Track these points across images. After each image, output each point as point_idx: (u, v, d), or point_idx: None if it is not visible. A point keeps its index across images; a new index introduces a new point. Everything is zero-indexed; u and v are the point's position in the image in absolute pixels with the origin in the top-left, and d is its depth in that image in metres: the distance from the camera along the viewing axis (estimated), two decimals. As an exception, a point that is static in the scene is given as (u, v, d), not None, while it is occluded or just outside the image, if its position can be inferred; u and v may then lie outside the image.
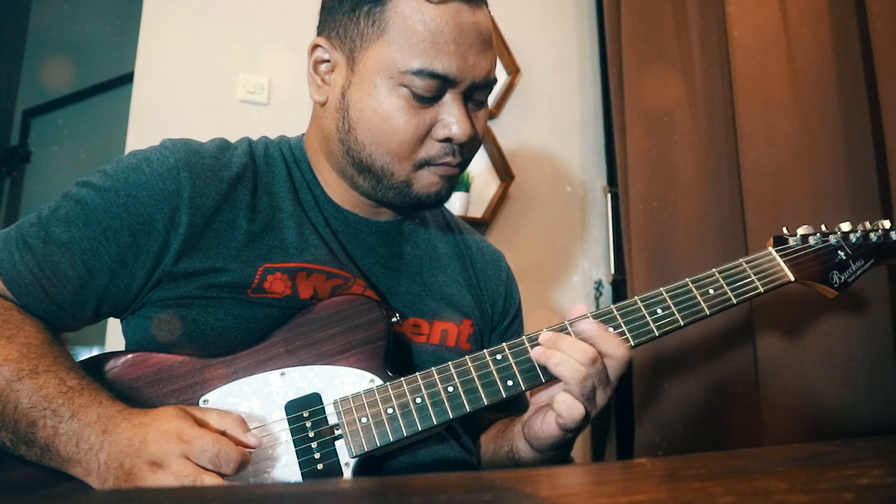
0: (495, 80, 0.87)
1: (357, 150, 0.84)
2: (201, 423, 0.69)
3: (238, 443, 0.68)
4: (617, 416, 2.00)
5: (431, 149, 0.83)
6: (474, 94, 0.85)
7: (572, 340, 0.76)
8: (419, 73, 0.79)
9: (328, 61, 0.86)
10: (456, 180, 0.89)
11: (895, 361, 1.29)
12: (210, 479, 0.64)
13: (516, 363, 0.79)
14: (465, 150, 0.86)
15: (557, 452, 0.84)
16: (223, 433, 0.69)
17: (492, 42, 0.85)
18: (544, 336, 0.79)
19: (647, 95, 1.86)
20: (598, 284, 2.20)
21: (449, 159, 0.84)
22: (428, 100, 0.81)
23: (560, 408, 0.75)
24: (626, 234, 1.89)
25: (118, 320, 0.88)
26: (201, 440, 0.65)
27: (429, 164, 0.84)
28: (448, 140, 0.83)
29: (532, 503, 0.38)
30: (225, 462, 0.65)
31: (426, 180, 0.85)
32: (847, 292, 0.94)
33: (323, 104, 0.88)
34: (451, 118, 0.82)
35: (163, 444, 0.65)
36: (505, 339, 1.03)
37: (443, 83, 0.80)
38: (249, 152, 0.89)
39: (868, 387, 1.30)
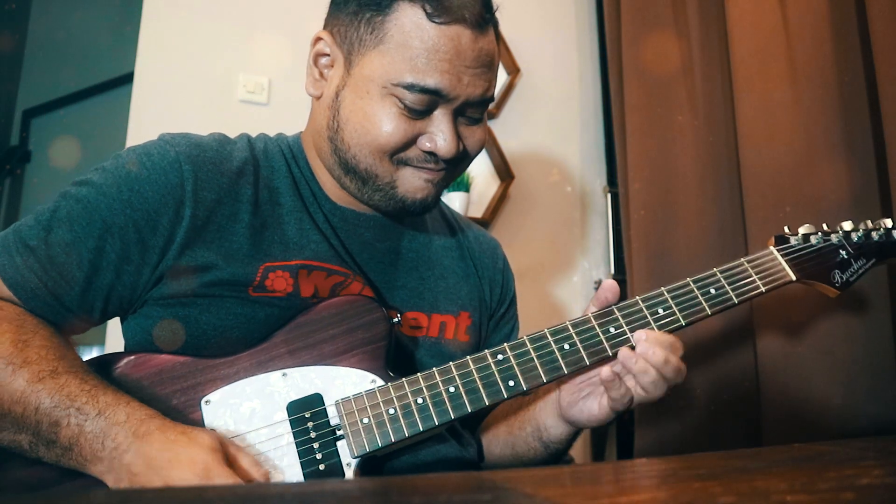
0: (492, 99, 0.87)
1: (343, 150, 0.84)
2: (231, 461, 0.68)
3: None
4: (617, 417, 2.00)
5: (412, 152, 0.83)
6: (467, 111, 0.84)
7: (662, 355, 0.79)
8: (410, 87, 0.79)
9: (328, 55, 0.86)
10: (442, 187, 0.89)
11: (895, 361, 1.29)
12: None
13: (518, 363, 0.79)
14: (450, 164, 0.86)
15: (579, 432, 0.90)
16: (248, 482, 0.68)
17: (493, 65, 0.84)
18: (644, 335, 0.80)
19: (647, 95, 1.86)
20: (598, 284, 2.20)
21: (430, 165, 0.84)
22: (418, 113, 0.81)
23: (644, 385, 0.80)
24: (626, 234, 1.88)
25: (118, 320, 0.88)
26: (223, 482, 0.64)
27: (408, 164, 0.84)
28: (431, 153, 0.83)
29: (532, 503, 0.39)
30: None
31: (411, 184, 0.85)
32: (847, 291, 0.94)
33: (318, 98, 0.88)
34: (438, 133, 0.82)
35: (186, 473, 0.64)
36: (500, 326, 1.05)
37: (434, 98, 0.80)
38: (249, 147, 0.90)
39: (868, 387, 1.30)
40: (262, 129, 1.01)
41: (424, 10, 0.78)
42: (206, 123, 1.83)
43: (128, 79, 1.94)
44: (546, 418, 0.90)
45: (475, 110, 0.85)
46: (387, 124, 0.80)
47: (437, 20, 0.78)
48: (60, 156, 2.97)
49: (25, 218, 0.80)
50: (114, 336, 1.70)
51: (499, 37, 0.87)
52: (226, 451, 0.69)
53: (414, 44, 0.78)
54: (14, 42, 3.12)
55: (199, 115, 1.86)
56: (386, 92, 0.80)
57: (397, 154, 0.83)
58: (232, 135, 0.94)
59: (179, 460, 0.65)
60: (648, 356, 0.78)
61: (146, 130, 1.80)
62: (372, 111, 0.81)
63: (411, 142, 0.82)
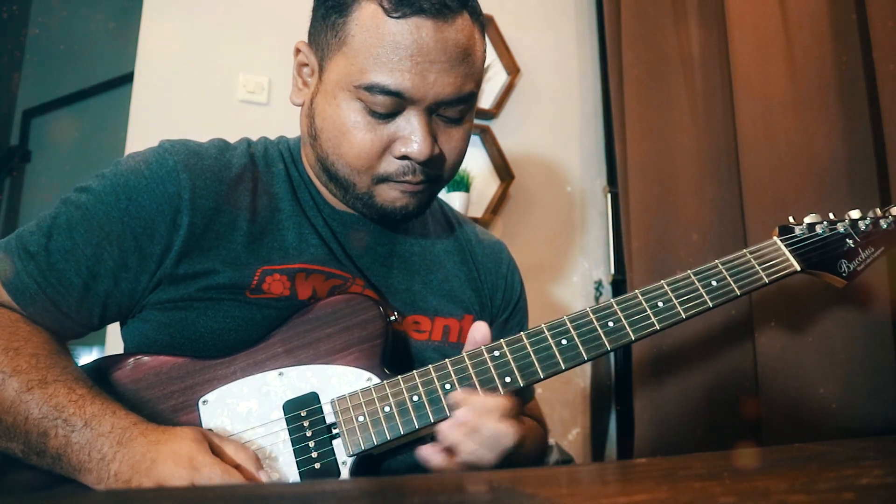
0: (470, 95, 0.81)
1: (323, 157, 0.84)
2: (217, 452, 0.68)
3: (249, 479, 0.67)
4: (617, 416, 2.00)
5: (390, 166, 0.80)
6: (443, 111, 0.80)
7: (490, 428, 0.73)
8: (371, 88, 0.76)
9: (308, 65, 0.87)
10: (425, 195, 0.85)
11: (895, 361, 1.28)
12: None
13: (514, 359, 0.79)
14: (431, 169, 0.82)
15: None
16: (237, 467, 0.68)
17: (465, 57, 0.78)
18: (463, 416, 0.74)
19: (647, 95, 1.86)
20: (598, 284, 2.20)
21: (409, 178, 0.81)
22: (384, 116, 0.78)
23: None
24: (626, 234, 1.88)
25: (117, 322, 0.88)
26: (210, 469, 0.64)
27: (388, 180, 0.82)
28: (406, 158, 0.80)
29: (532, 503, 0.38)
30: None
31: (388, 195, 0.83)
32: (847, 291, 0.92)
33: (301, 107, 0.89)
34: (411, 136, 0.78)
35: (171, 467, 0.64)
36: (505, 332, 1.03)
37: (398, 100, 0.77)
38: (249, 153, 0.89)
39: (868, 387, 1.29)
40: (262, 130, 1.00)
41: (382, 6, 0.75)
42: (206, 123, 1.86)
43: (128, 79, 1.93)
44: None
45: (450, 109, 0.80)
46: (355, 134, 0.78)
47: (394, 15, 0.74)
48: (60, 156, 2.97)
49: (28, 224, 0.81)
50: (113, 337, 1.70)
51: (484, 26, 0.83)
52: (209, 441, 0.68)
53: (373, 42, 0.75)
54: (14, 42, 3.12)
55: (199, 115, 1.86)
56: (351, 96, 0.78)
57: (374, 168, 0.81)
58: (232, 136, 0.94)
59: (163, 457, 0.65)
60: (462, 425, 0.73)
61: (146, 130, 1.81)
62: (341, 120, 0.79)
63: (384, 149, 0.80)
